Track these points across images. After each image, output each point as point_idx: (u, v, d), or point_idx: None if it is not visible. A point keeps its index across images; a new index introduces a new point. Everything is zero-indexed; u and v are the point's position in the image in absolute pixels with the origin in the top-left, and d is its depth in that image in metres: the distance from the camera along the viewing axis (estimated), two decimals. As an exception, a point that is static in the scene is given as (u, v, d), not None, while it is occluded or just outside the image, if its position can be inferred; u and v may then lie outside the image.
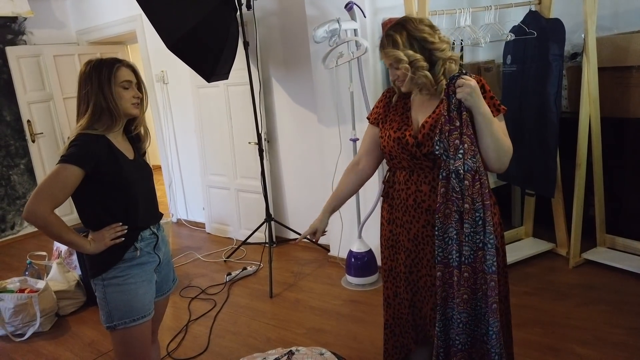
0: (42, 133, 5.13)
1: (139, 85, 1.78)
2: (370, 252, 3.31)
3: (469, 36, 2.96)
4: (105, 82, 1.66)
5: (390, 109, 1.81)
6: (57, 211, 1.62)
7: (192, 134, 4.67)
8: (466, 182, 1.58)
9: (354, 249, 3.32)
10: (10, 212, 5.07)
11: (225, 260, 4.02)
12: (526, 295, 2.88)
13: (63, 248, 3.64)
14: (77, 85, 1.71)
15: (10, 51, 4.86)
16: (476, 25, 3.03)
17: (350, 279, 3.34)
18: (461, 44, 3.05)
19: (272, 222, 3.92)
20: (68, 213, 4.58)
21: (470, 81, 1.53)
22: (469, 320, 1.67)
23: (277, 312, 3.09)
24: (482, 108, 1.55)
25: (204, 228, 4.84)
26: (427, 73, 1.62)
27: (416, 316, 1.89)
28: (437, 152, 1.62)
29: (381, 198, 1.94)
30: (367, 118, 1.90)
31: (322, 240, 3.94)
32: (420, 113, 1.72)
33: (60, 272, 3.35)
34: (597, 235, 3.26)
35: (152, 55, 4.80)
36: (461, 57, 3.19)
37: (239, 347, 2.71)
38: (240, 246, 4.18)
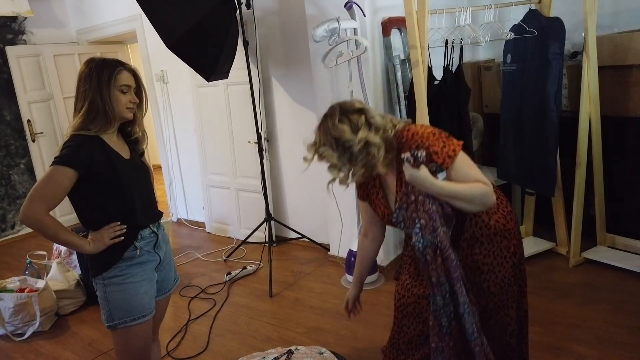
0: (42, 133, 5.13)
1: (139, 89, 1.78)
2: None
3: (469, 35, 2.96)
4: (104, 83, 1.66)
5: (369, 187, 1.83)
6: (57, 211, 1.62)
7: (192, 133, 4.67)
8: (427, 257, 1.58)
9: (354, 248, 3.32)
10: (11, 211, 5.07)
11: (225, 260, 4.02)
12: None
13: (63, 248, 3.64)
14: (76, 82, 1.71)
15: (10, 51, 4.86)
16: (476, 24, 3.03)
17: (350, 278, 3.34)
18: (461, 42, 3.04)
19: (272, 222, 3.92)
20: (68, 213, 4.59)
21: (408, 171, 1.52)
22: None
23: (277, 312, 3.08)
24: (431, 189, 1.53)
25: (204, 227, 4.84)
26: (351, 170, 1.61)
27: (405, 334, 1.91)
28: (393, 221, 1.65)
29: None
30: (357, 195, 1.94)
31: (322, 240, 3.95)
32: (389, 191, 1.75)
33: (60, 272, 3.35)
34: (598, 234, 3.25)
35: (152, 55, 4.80)
36: (461, 56, 3.21)
37: (238, 346, 2.71)
38: (240, 245, 4.18)
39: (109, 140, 1.72)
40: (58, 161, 1.59)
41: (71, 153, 1.60)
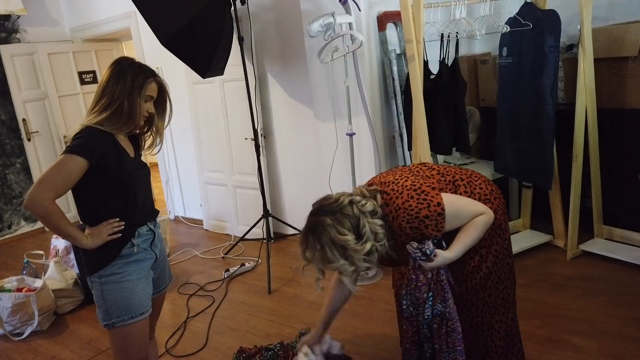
0: (37, 131, 5.10)
1: (162, 100, 1.82)
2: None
3: (465, 29, 2.95)
4: (136, 90, 1.68)
5: None
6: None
7: (188, 130, 4.66)
8: (435, 325, 1.63)
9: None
10: (7, 211, 5.06)
11: (223, 257, 4.02)
12: (524, 288, 2.88)
13: (60, 247, 3.63)
14: (103, 78, 1.71)
15: (4, 49, 4.83)
16: (472, 17, 3.02)
17: (348, 273, 3.34)
18: (456, 36, 3.04)
19: (270, 218, 3.92)
20: (66, 211, 4.58)
21: (427, 266, 1.55)
22: None
23: (275, 308, 3.09)
24: (451, 260, 1.59)
25: (202, 225, 4.83)
26: (347, 279, 1.58)
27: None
28: (404, 307, 1.67)
29: None
30: None
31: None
32: None
33: (58, 271, 3.34)
34: (595, 227, 3.26)
35: (147, 52, 4.77)
36: (456, 50, 3.21)
37: (237, 342, 2.70)
38: (238, 242, 4.17)
39: (118, 137, 1.75)
40: (70, 150, 1.59)
41: (84, 143, 1.61)
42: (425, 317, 1.61)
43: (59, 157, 1.61)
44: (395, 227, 1.60)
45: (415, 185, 1.62)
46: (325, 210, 1.56)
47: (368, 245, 1.52)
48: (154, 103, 1.80)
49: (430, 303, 1.60)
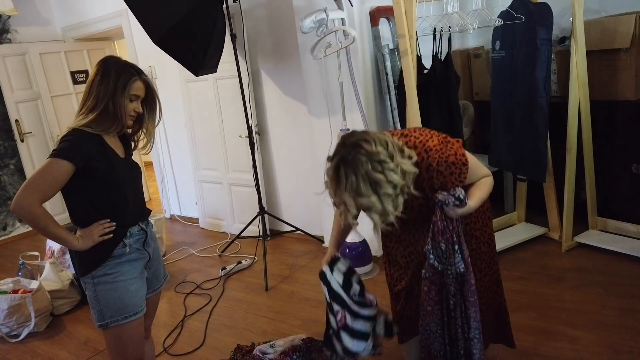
0: (31, 132, 5.07)
1: (150, 99, 1.79)
2: (364, 242, 3.31)
3: (457, 23, 2.95)
4: (119, 89, 1.66)
5: None
6: (49, 210, 1.62)
7: (182, 128, 4.64)
8: (458, 280, 1.64)
9: (348, 240, 3.32)
10: (2, 213, 5.03)
11: (219, 255, 4.02)
12: (519, 280, 2.90)
13: (56, 247, 3.62)
14: (89, 78, 1.70)
15: (-5, 50, 4.80)
16: (464, 11, 3.02)
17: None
18: (449, 30, 3.03)
19: (266, 215, 3.91)
20: (60, 212, 4.56)
21: (457, 212, 1.57)
22: None
23: (272, 305, 3.09)
24: (473, 210, 1.62)
25: (198, 223, 4.82)
26: (376, 217, 1.50)
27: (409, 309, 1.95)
28: (431, 262, 1.66)
29: None
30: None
31: (316, 232, 3.95)
32: None
33: (54, 272, 3.33)
34: (589, 218, 3.28)
35: (139, 51, 4.75)
36: (449, 44, 3.20)
37: (235, 340, 2.71)
38: (234, 240, 4.17)
39: (107, 138, 1.72)
40: (56, 154, 1.58)
41: (70, 147, 1.59)
42: (460, 270, 1.61)
43: (45, 160, 1.59)
44: (423, 169, 1.59)
45: (440, 135, 1.66)
46: (361, 145, 1.48)
47: (399, 183, 1.48)
48: (143, 102, 1.78)
49: (459, 256, 1.61)
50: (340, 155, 1.48)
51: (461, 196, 1.56)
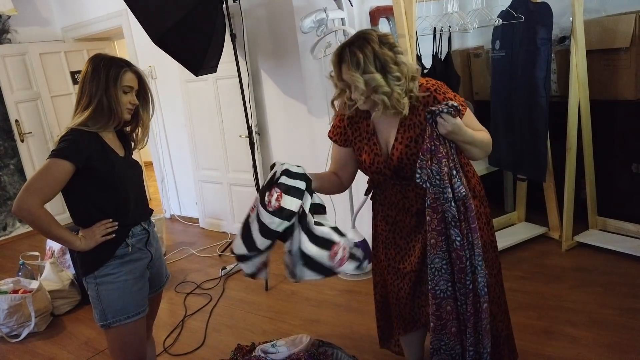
0: (30, 132, 5.07)
1: (144, 92, 1.78)
2: (364, 242, 3.31)
3: (457, 22, 2.95)
4: (111, 82, 1.66)
5: (355, 131, 1.75)
6: (50, 210, 1.61)
7: (182, 129, 4.64)
8: (462, 208, 1.58)
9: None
10: (2, 213, 5.03)
11: (219, 255, 4.02)
12: (520, 280, 2.90)
13: (56, 247, 3.62)
14: (81, 77, 1.70)
15: (-5, 50, 4.80)
16: (464, 11, 3.02)
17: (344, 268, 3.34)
18: (449, 30, 3.03)
19: (266, 215, 3.91)
20: (61, 212, 4.56)
21: (451, 120, 1.50)
22: (459, 348, 1.70)
23: (272, 305, 3.09)
24: (464, 136, 1.55)
25: (198, 223, 4.82)
26: (385, 98, 1.53)
27: (402, 307, 1.87)
28: (418, 181, 1.58)
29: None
30: (330, 137, 1.82)
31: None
32: (385, 135, 1.69)
33: (54, 272, 3.33)
34: (589, 218, 3.28)
35: (139, 51, 4.75)
36: (449, 44, 3.20)
37: (235, 340, 2.70)
38: (234, 240, 4.16)
39: (105, 137, 1.72)
40: (55, 154, 1.58)
41: (69, 146, 1.59)
42: (461, 194, 1.55)
43: (44, 161, 1.59)
44: (420, 92, 1.59)
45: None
46: (371, 33, 1.54)
47: (405, 73, 1.52)
48: (136, 95, 1.77)
49: (458, 180, 1.55)
50: (347, 41, 1.55)
51: (455, 104, 1.51)
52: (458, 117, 1.52)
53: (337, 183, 1.86)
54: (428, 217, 1.61)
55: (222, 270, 3.59)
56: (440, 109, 1.51)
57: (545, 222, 3.44)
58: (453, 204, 1.56)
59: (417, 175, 1.57)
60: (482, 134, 1.64)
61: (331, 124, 1.84)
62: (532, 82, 3.01)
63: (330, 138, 1.83)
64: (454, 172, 1.56)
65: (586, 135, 3.11)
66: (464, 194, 1.56)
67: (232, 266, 3.62)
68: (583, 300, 2.62)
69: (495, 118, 3.39)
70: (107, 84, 1.65)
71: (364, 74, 1.50)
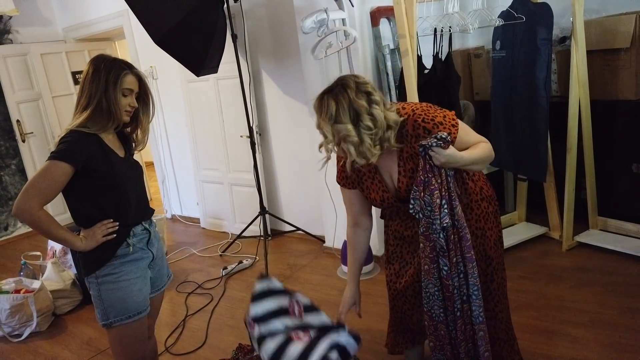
0: (32, 133, 5.09)
1: (144, 94, 1.79)
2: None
3: (458, 23, 2.96)
4: (110, 84, 1.66)
5: (358, 173, 1.78)
6: (50, 210, 1.62)
7: (183, 129, 4.65)
8: (452, 236, 1.60)
9: (349, 239, 3.32)
10: (3, 213, 5.05)
11: (221, 255, 4.02)
12: (520, 279, 2.90)
13: (57, 247, 3.63)
14: (82, 78, 1.70)
15: (-3, 51, 4.81)
16: (464, 11, 3.03)
17: (346, 269, 3.35)
18: (450, 30, 3.04)
19: (267, 215, 3.92)
20: (62, 212, 4.57)
21: (443, 152, 1.51)
22: None
23: (274, 304, 3.09)
24: (460, 162, 1.56)
25: (199, 223, 4.83)
26: (352, 147, 1.54)
27: (408, 320, 1.94)
28: (411, 211, 1.62)
29: None
30: (338, 183, 1.86)
31: (317, 232, 3.96)
32: (388, 171, 1.72)
33: (56, 272, 3.34)
34: (590, 218, 3.28)
35: (140, 51, 4.76)
36: (450, 44, 3.20)
37: (237, 340, 2.71)
38: (235, 240, 4.18)
39: (105, 138, 1.72)
40: (55, 156, 1.58)
41: (68, 148, 1.60)
42: (443, 224, 1.56)
43: (44, 163, 1.59)
44: (409, 126, 1.59)
45: (428, 104, 1.68)
46: (349, 79, 1.56)
47: (378, 123, 1.53)
48: (137, 98, 1.77)
49: (446, 210, 1.56)
50: (327, 88, 1.56)
51: (443, 135, 1.52)
52: (451, 147, 1.53)
53: (366, 236, 1.95)
54: (421, 244, 1.65)
55: (223, 270, 3.60)
56: (430, 143, 1.52)
57: (545, 222, 3.44)
58: (442, 234, 1.59)
59: (411, 206, 1.61)
60: (480, 151, 1.63)
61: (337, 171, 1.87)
62: (532, 82, 3.02)
63: (339, 183, 1.86)
64: (444, 202, 1.57)
65: (586, 135, 3.11)
66: (446, 224, 1.58)
67: (232, 266, 3.63)
68: (583, 300, 2.63)
69: (495, 118, 3.39)
70: (107, 85, 1.65)
71: (335, 124, 1.52)
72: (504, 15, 3.09)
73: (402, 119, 1.60)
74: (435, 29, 3.02)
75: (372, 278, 3.23)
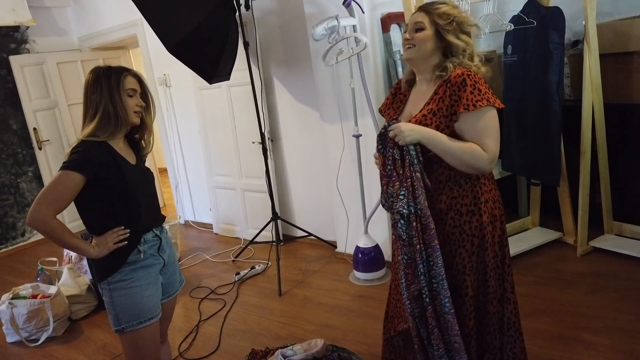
0: (48, 140, 5.18)
1: (144, 94, 1.82)
2: (377, 247, 3.32)
3: (468, 28, 2.95)
4: (114, 89, 1.70)
5: (396, 100, 1.86)
6: (65, 217, 1.65)
7: (196, 135, 4.70)
8: (414, 223, 1.60)
9: (361, 245, 3.33)
10: (20, 219, 5.13)
11: (233, 260, 4.05)
12: (535, 285, 2.88)
13: (73, 253, 3.68)
14: (83, 91, 1.74)
15: (14, 60, 4.90)
16: (475, 16, 3.03)
17: (357, 274, 3.35)
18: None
19: (279, 221, 3.94)
20: (76, 219, 4.63)
21: (398, 126, 1.57)
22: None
23: (286, 310, 3.11)
24: (430, 140, 1.57)
25: (212, 229, 4.87)
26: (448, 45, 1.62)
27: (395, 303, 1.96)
28: (383, 206, 1.70)
29: None
30: (379, 111, 1.95)
31: (329, 237, 3.97)
32: (413, 106, 1.74)
33: (72, 277, 3.39)
34: (604, 223, 3.24)
35: (153, 59, 4.83)
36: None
37: (249, 345, 2.72)
38: (247, 245, 4.20)
39: (116, 146, 1.76)
40: (66, 166, 1.62)
41: (79, 158, 1.63)
42: (401, 211, 1.58)
43: (56, 173, 1.63)
44: (457, 73, 1.61)
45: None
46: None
47: (469, 44, 1.66)
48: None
49: (402, 198, 1.58)
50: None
51: (394, 118, 1.64)
52: (402, 123, 1.60)
53: None
54: (393, 236, 1.71)
55: (235, 275, 3.61)
56: (384, 126, 1.63)
57: (559, 226, 3.41)
58: (401, 223, 1.61)
59: (381, 201, 1.69)
60: (465, 146, 1.56)
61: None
62: (545, 86, 3.00)
63: (380, 111, 1.94)
64: (402, 190, 1.59)
65: (600, 139, 3.08)
66: (404, 212, 1.59)
67: (245, 271, 3.65)
68: (599, 305, 2.60)
69: (508, 122, 3.38)
70: (111, 90, 1.69)
71: (439, 19, 1.63)
72: (515, 19, 3.09)
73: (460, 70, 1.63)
74: (446, 34, 3.02)
75: (384, 284, 3.22)
